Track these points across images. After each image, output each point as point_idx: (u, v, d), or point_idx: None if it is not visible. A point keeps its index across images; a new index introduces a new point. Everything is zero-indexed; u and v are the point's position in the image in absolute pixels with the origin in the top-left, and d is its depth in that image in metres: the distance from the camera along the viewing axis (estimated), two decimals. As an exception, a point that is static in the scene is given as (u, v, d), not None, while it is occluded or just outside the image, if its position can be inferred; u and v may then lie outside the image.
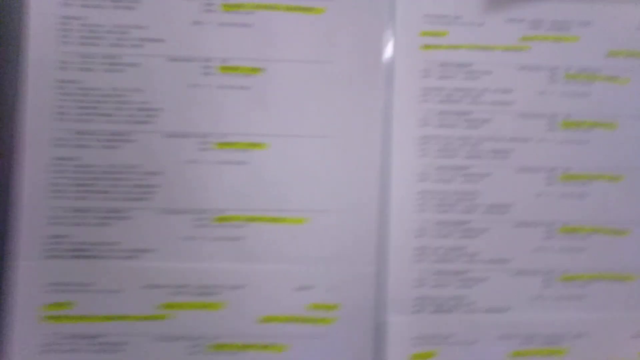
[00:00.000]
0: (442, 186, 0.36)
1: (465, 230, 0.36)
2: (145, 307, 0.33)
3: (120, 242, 0.33)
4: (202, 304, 0.33)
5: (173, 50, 0.33)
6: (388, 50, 0.35)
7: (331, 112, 0.34)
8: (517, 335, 0.36)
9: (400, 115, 0.36)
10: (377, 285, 0.35)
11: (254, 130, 0.34)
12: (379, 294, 0.35)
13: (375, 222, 0.35)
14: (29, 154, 0.32)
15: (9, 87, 0.32)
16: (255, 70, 0.34)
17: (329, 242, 0.34)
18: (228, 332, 0.34)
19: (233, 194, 0.34)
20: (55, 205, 0.33)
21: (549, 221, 0.37)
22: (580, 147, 0.37)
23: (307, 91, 0.34)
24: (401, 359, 0.35)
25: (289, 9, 0.34)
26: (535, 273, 0.37)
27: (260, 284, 0.34)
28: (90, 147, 0.33)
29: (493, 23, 0.37)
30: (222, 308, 0.34)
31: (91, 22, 0.33)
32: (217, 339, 0.33)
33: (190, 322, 0.33)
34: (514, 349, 0.36)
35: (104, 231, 0.33)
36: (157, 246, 0.33)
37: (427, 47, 0.36)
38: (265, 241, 0.34)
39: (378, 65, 0.35)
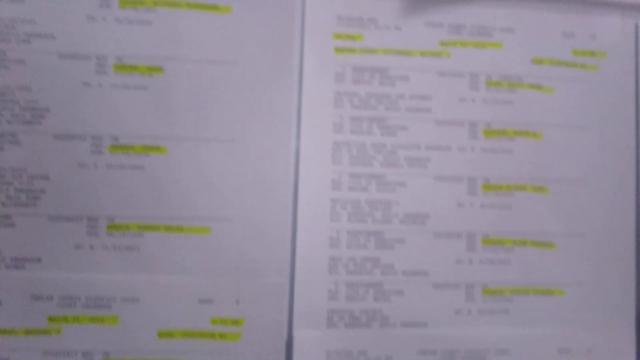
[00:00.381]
0: (356, 194, 0.35)
1: (380, 240, 0.35)
2: (31, 320, 0.31)
3: (2, 249, 0.31)
4: (93, 317, 0.31)
5: (64, 46, 0.31)
6: (299, 52, 0.34)
7: (237, 116, 0.33)
8: (436, 351, 0.35)
9: (312, 120, 0.34)
10: (287, 297, 0.33)
11: (152, 132, 0.32)
12: (290, 307, 0.33)
13: (284, 231, 0.33)
14: None
15: None
16: (153, 69, 0.32)
17: (234, 252, 0.32)
18: (123, 347, 0.31)
19: (127, 201, 0.32)
20: None
21: (471, 232, 0.35)
22: (503, 156, 0.36)
23: (211, 93, 0.32)
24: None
25: (193, 6, 0.33)
26: (456, 286, 0.35)
27: (157, 297, 0.32)
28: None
29: (411, 27, 0.35)
30: (115, 322, 0.31)
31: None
32: (111, 354, 0.31)
33: (81, 336, 0.31)
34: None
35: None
36: (43, 255, 0.31)
37: (340, 50, 0.35)
38: (162, 251, 0.32)
39: (288, 67, 0.33)
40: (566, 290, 0.36)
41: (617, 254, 0.37)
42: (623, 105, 0.37)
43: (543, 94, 0.37)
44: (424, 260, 0.35)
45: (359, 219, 0.35)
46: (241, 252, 0.32)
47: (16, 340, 0.31)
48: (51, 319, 0.31)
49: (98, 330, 0.31)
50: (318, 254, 0.34)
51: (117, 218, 0.32)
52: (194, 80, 0.32)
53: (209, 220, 0.32)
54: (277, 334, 0.33)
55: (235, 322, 0.32)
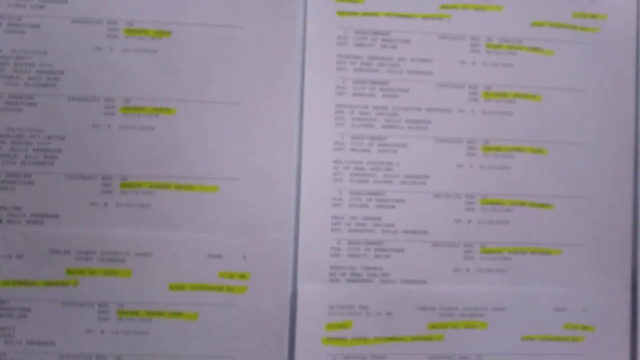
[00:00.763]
0: (358, 155, 0.36)
1: (381, 200, 0.36)
2: (50, 272, 0.33)
3: (23, 207, 0.32)
4: (108, 271, 0.33)
5: (76, 11, 0.33)
6: (303, 16, 0.35)
7: (243, 78, 0.34)
8: (435, 307, 0.36)
9: (315, 82, 0.35)
10: (292, 253, 0.35)
11: (161, 95, 0.33)
12: (295, 262, 0.35)
13: (289, 190, 0.34)
14: None
15: None
16: (162, 33, 0.33)
17: (241, 210, 0.34)
18: (136, 299, 0.33)
19: (139, 160, 0.33)
20: (-46, 168, 0.32)
21: (470, 193, 0.37)
22: (502, 118, 0.37)
23: (218, 56, 0.34)
24: (316, 329, 0.35)
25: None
26: (454, 245, 0.36)
27: (168, 252, 0.33)
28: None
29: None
30: (129, 275, 0.33)
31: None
32: (125, 305, 0.33)
33: (97, 288, 0.33)
34: (432, 321, 0.36)
35: (6, 195, 0.32)
36: (61, 211, 0.33)
37: (342, 13, 0.36)
38: (173, 209, 0.33)
39: (292, 30, 0.34)
40: (563, 251, 0.37)
41: (614, 216, 0.38)
42: (623, 68, 0.38)
43: (543, 57, 0.37)
44: (423, 219, 0.36)
45: (360, 179, 0.36)
46: (248, 210, 0.34)
47: (37, 291, 0.33)
48: (69, 272, 0.33)
49: (113, 282, 0.33)
50: (321, 212, 0.35)
51: (130, 176, 0.33)
52: (201, 44, 0.34)
53: (217, 179, 0.34)
54: (282, 287, 0.34)
55: (242, 277, 0.34)
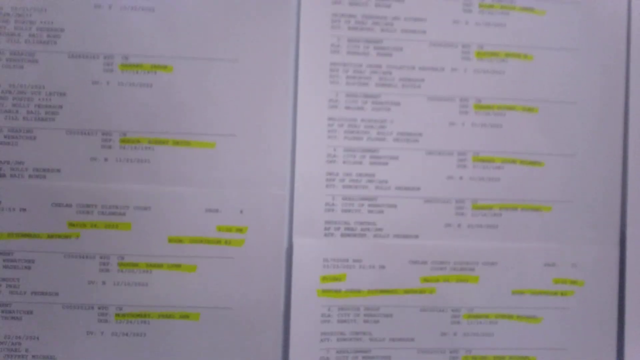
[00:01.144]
0: (352, 113, 0.37)
1: (375, 157, 0.37)
2: (52, 225, 0.34)
3: (25, 161, 0.33)
4: (109, 224, 0.34)
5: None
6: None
7: (239, 36, 0.35)
8: (427, 261, 0.37)
9: (309, 40, 0.36)
10: (288, 208, 0.36)
11: (159, 52, 0.34)
12: (290, 217, 0.36)
13: (285, 147, 0.35)
14: None
15: None
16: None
17: (237, 166, 0.35)
18: (136, 252, 0.34)
19: (138, 116, 0.34)
20: (-42, 123, 0.33)
21: (462, 150, 0.37)
22: (494, 77, 0.38)
23: (214, 13, 0.34)
24: (311, 281, 0.36)
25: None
26: (446, 201, 0.37)
27: (167, 206, 0.34)
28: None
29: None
30: (129, 228, 0.34)
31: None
32: (125, 257, 0.34)
33: (98, 241, 0.34)
34: (424, 274, 0.37)
35: (9, 150, 0.33)
36: (62, 166, 0.34)
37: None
38: (171, 164, 0.34)
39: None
40: (553, 207, 0.38)
41: (604, 174, 0.38)
42: (614, 27, 0.38)
43: (535, 17, 0.38)
44: (416, 176, 0.37)
45: (354, 136, 0.37)
46: (244, 166, 0.35)
47: (40, 244, 0.34)
48: (71, 225, 0.34)
49: (113, 235, 0.34)
50: (316, 168, 0.36)
51: (129, 132, 0.34)
52: (197, 2, 0.34)
53: (214, 136, 0.35)
54: (278, 241, 0.35)
55: (240, 230, 0.35)
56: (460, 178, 0.37)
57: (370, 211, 0.37)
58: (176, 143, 0.34)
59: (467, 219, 0.38)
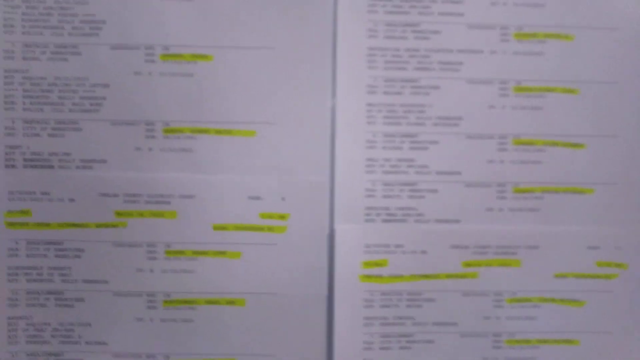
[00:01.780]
0: (390, 98, 0.36)
1: (414, 142, 0.37)
2: (100, 215, 0.34)
3: (72, 152, 0.34)
4: (155, 212, 0.35)
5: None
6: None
7: (277, 23, 0.35)
8: (469, 245, 0.37)
9: (346, 26, 0.36)
10: (328, 195, 0.36)
11: (199, 42, 0.34)
12: (331, 203, 0.36)
13: (325, 134, 0.35)
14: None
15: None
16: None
17: (278, 153, 0.35)
18: (182, 239, 0.35)
19: (180, 106, 0.34)
20: (7, 116, 0.34)
21: (502, 134, 0.37)
22: (534, 58, 0.37)
23: (252, 2, 0.34)
24: (353, 266, 0.36)
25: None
26: (487, 185, 0.37)
27: (210, 194, 0.35)
28: (38, 59, 0.34)
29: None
30: (175, 216, 0.35)
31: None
32: (172, 245, 0.35)
33: (145, 229, 0.35)
34: (466, 259, 0.37)
35: (56, 142, 0.34)
36: (108, 156, 0.34)
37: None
38: (213, 152, 0.35)
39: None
40: (596, 190, 0.38)
41: (646, 154, 0.38)
42: (657, 4, 0.37)
43: (575, -4, 0.37)
44: (456, 160, 0.37)
45: (394, 121, 0.37)
46: (285, 154, 0.35)
47: (89, 233, 0.35)
48: (118, 214, 0.35)
49: (159, 224, 0.35)
50: (356, 155, 0.36)
51: (172, 122, 0.35)
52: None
53: (254, 124, 0.35)
54: (320, 227, 0.35)
55: (282, 217, 0.35)
56: (501, 162, 0.37)
57: (410, 196, 0.37)
58: (218, 132, 0.35)
59: (509, 202, 0.37)
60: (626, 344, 0.38)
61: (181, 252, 0.35)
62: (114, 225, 0.35)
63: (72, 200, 0.34)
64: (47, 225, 0.34)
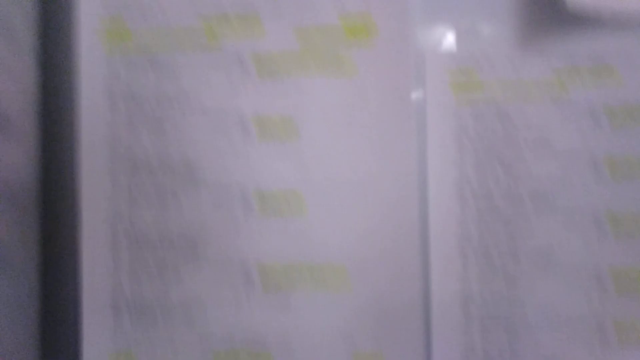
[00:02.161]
0: (485, 241, 0.36)
1: (511, 281, 0.36)
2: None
3: (172, 296, 0.35)
4: (252, 353, 0.35)
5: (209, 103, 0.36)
6: (419, 92, 0.36)
7: (364, 156, 0.35)
8: None
9: (435, 156, 0.36)
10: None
11: (290, 183, 0.36)
12: (427, 339, 0.35)
13: (417, 269, 0.35)
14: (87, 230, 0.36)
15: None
16: (287, 121, 0.36)
17: (373, 309, 0.35)
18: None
19: (275, 249, 0.35)
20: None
21: (597, 272, 0.36)
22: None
23: (339, 137, 0.36)
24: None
25: (319, 70, 0.36)
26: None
27: (307, 340, 0.35)
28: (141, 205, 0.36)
29: (525, 59, 0.37)
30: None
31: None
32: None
33: None
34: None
35: (159, 284, 0.35)
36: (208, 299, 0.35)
37: (457, 86, 0.37)
38: (310, 309, 0.35)
39: (409, 107, 0.36)
40: None
41: None
42: None
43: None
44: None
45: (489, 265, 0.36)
46: (379, 297, 0.35)
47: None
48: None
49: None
50: (450, 291, 0.36)
51: (267, 265, 0.36)
52: (323, 127, 0.36)
53: (346, 261, 0.35)
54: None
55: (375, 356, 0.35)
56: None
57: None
58: (311, 271, 0.35)
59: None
60: None
61: None
62: None
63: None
64: None
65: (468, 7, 0.37)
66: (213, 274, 0.36)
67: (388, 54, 0.36)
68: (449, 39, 0.37)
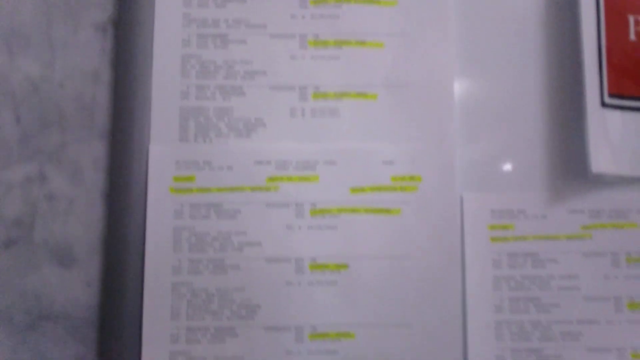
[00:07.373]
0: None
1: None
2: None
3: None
4: None
5: (269, 252, 0.38)
6: (461, 245, 0.40)
7: (411, 303, 0.38)
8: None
9: (475, 302, 0.39)
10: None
11: (342, 321, 0.38)
12: None
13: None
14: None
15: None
16: (341, 267, 0.38)
17: None
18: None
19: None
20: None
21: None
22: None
23: (388, 284, 0.38)
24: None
25: (369, 211, 0.39)
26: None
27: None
28: (199, 342, 0.37)
29: (556, 214, 0.40)
30: None
31: (199, 231, 0.38)
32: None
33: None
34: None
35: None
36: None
37: (495, 239, 0.40)
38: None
39: (453, 257, 0.39)
40: None
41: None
42: None
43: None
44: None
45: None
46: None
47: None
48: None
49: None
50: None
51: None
52: (373, 274, 0.38)
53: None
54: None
55: None
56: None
57: None
58: None
59: None
60: None
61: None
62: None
63: None
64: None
65: (505, 180, 0.41)
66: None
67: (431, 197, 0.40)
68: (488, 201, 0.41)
